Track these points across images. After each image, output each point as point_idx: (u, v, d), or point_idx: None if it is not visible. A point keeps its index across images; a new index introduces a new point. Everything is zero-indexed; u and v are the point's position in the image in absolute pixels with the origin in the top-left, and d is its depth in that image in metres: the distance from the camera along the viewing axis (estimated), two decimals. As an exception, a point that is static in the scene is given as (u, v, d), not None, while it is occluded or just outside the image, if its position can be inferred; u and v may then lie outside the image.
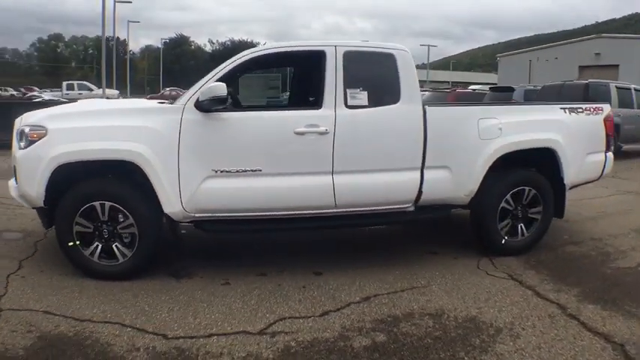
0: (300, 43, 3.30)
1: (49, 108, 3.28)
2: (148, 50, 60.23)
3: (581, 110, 3.83)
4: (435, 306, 2.76)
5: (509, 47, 59.58)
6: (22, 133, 2.85)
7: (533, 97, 10.29)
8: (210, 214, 3.03)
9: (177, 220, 3.00)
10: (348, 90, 3.13)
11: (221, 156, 2.94)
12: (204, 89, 2.85)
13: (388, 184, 3.24)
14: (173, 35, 63.66)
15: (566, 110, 3.77)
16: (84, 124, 2.85)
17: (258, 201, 3.04)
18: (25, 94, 26.70)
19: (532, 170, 3.77)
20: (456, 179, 3.39)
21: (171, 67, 56.51)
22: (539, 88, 11.00)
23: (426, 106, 3.33)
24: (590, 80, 9.73)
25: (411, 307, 2.75)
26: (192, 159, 2.88)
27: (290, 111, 3.32)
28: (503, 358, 2.21)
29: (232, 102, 3.47)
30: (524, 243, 3.70)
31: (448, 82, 41.24)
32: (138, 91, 44.04)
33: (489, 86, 15.01)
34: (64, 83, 27.35)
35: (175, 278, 3.06)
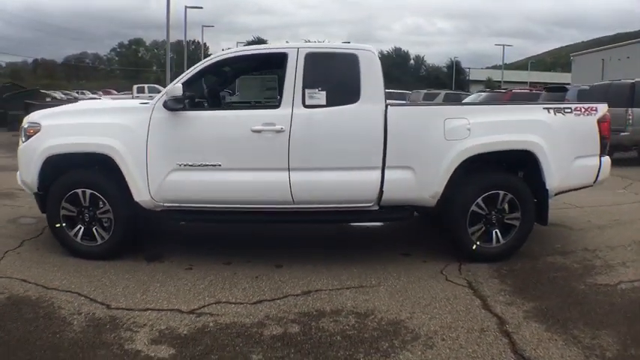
0: (265, 46, 3.58)
1: (50, 107, 3.90)
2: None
3: (569, 110, 3.60)
4: (369, 306, 2.85)
5: (590, 46, 54.66)
6: (23, 130, 3.46)
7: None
8: (176, 204, 3.41)
9: (147, 208, 3.42)
10: (306, 90, 3.31)
11: (184, 151, 3.30)
12: (168, 90, 3.23)
13: (347, 183, 3.36)
14: (251, 38, 67.48)
15: (550, 110, 3.57)
16: (69, 122, 3.39)
17: (218, 194, 3.36)
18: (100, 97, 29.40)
19: (508, 173, 3.65)
20: (419, 180, 3.40)
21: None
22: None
23: (389, 106, 3.39)
24: (636, 80, 8.81)
25: (344, 304, 2.87)
26: (159, 153, 3.28)
27: (249, 110, 3.57)
28: (400, 366, 2.24)
29: (209, 101, 3.82)
30: (500, 250, 3.59)
31: (526, 82, 39.32)
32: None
33: (544, 86, 14.33)
34: (135, 86, 29.23)
35: (147, 261, 3.49)
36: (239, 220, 3.63)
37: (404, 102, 3.63)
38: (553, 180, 3.54)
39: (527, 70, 51.94)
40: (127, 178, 3.27)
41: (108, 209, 3.38)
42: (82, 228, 3.42)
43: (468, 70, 54.70)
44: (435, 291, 3.07)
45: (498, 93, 14.65)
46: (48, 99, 14.94)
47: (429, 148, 3.36)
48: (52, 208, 3.39)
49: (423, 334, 2.52)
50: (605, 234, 4.36)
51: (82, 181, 3.35)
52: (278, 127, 3.27)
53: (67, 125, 3.37)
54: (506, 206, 3.55)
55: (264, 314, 2.73)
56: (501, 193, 3.52)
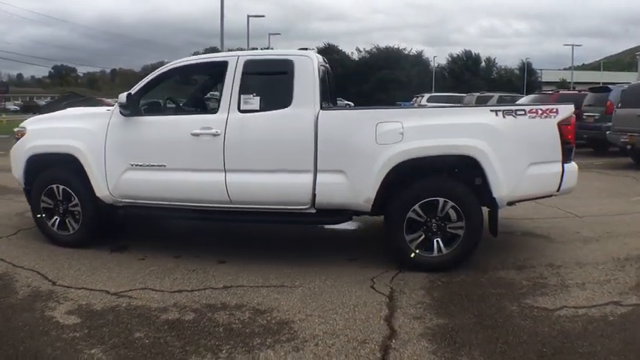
0: (210, 56, 3.95)
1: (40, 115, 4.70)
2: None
3: (521, 113, 3.44)
4: (273, 304, 3.02)
5: (671, 46, 48.70)
6: (15, 133, 4.25)
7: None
8: (132, 201, 3.93)
9: (108, 203, 3.98)
10: (242, 96, 3.62)
11: (135, 152, 3.81)
12: (120, 97, 3.76)
13: (280, 185, 3.59)
14: (321, 45, 70.56)
15: (499, 113, 3.45)
16: (47, 126, 4.11)
17: (165, 192, 3.80)
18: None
19: (448, 180, 3.57)
20: (352, 184, 3.51)
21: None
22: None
23: (321, 110, 3.56)
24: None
25: (251, 301, 3.09)
26: (115, 154, 3.82)
27: (190, 115, 3.96)
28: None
29: (160, 107, 4.26)
30: (442, 260, 3.53)
31: (599, 82, 37.46)
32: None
33: (589, 87, 13.43)
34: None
35: (110, 251, 4.05)
36: (186, 217, 4.05)
37: (350, 106, 3.62)
38: (501, 188, 3.42)
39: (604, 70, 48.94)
40: (90, 176, 3.86)
41: (77, 203, 4.00)
42: (58, 219, 4.09)
43: (539, 71, 53.81)
44: (350, 297, 3.14)
45: (545, 95, 14.29)
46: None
47: (361, 152, 3.45)
48: (35, 201, 4.11)
49: (301, 337, 2.59)
50: (585, 248, 4.05)
51: (56, 178, 4.02)
52: (214, 130, 3.62)
53: (45, 129, 4.09)
54: (452, 214, 3.49)
55: (173, 302, 3.08)
56: (441, 200, 3.47)
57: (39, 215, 4.11)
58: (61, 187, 4.00)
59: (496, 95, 19.23)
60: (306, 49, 4.12)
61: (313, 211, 3.67)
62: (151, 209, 3.95)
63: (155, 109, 4.12)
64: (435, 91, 35.14)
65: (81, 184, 3.93)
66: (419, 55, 61.50)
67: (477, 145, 3.37)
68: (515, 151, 3.42)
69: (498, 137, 3.40)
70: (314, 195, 3.57)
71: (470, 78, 47.72)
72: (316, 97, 3.57)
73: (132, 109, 3.73)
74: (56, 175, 4.03)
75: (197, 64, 3.98)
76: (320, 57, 4.01)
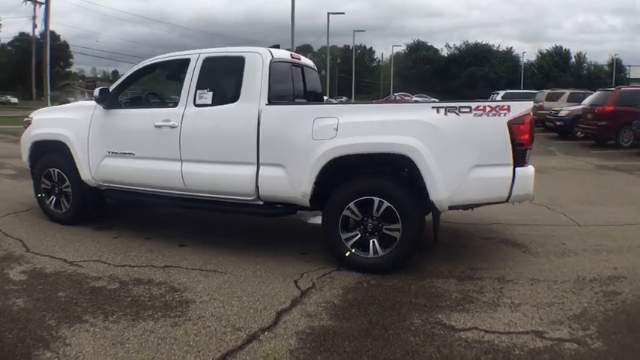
0: (178, 54, 4.40)
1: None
2: (398, 57, 69.12)
3: (466, 110, 3.34)
4: (191, 286, 3.30)
5: None
6: (25, 123, 5.14)
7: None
8: (110, 184, 4.53)
9: (92, 186, 4.62)
10: (198, 91, 4.04)
11: (111, 141, 4.41)
12: (94, 91, 4.39)
13: (227, 176, 3.92)
14: (410, 42, 71.38)
15: (440, 110, 3.38)
16: (48, 117, 4.91)
17: (134, 178, 4.35)
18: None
19: (384, 179, 3.58)
20: (291, 178, 3.70)
21: (408, 72, 63.59)
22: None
23: (264, 105, 3.82)
24: None
25: (175, 280, 3.43)
26: (96, 142, 4.47)
27: (156, 109, 4.43)
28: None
29: (134, 101, 4.81)
30: (378, 262, 3.55)
31: None
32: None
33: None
34: None
35: (93, 229, 4.69)
36: (152, 202, 4.56)
37: (301, 102, 3.65)
38: (439, 191, 3.36)
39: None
40: (76, 161, 4.55)
41: (68, 185, 4.71)
42: (54, 198, 4.84)
43: (628, 67, 52.21)
44: (266, 288, 3.30)
45: (607, 91, 14.18)
46: None
47: (298, 147, 3.63)
48: (36, 182, 4.92)
49: (188, 316, 2.86)
50: (555, 263, 3.80)
51: (53, 162, 4.78)
52: (172, 123, 4.07)
53: (45, 119, 4.90)
54: (389, 215, 3.50)
55: (110, 274, 3.54)
56: (376, 200, 3.51)
57: (39, 195, 4.92)
58: (57, 170, 4.75)
59: (567, 92, 18.51)
60: (278, 46, 4.42)
61: (260, 202, 3.92)
62: (124, 193, 4.51)
63: (132, 103, 4.70)
64: (524, 88, 34.75)
65: (71, 168, 4.63)
66: (508, 51, 59.32)
67: (410, 143, 3.36)
68: (457, 152, 3.34)
69: (436, 136, 3.35)
70: (257, 187, 3.83)
71: (558, 74, 47.47)
72: (262, 93, 3.82)
73: (106, 102, 4.35)
74: (52, 159, 4.80)
75: (166, 62, 4.49)
76: (284, 54, 4.30)
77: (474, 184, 3.38)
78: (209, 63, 4.08)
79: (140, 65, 4.52)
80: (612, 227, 4.80)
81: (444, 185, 3.35)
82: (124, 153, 4.35)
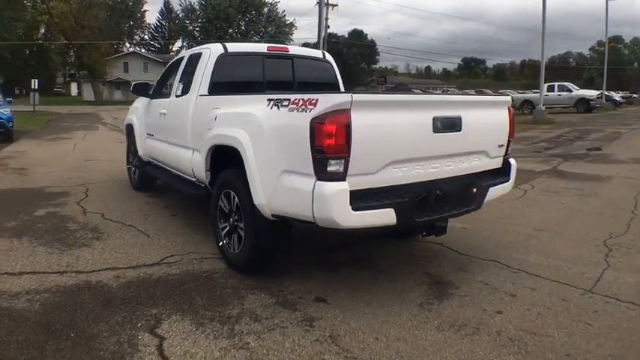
0: (188, 51, 5.58)
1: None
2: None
3: (285, 103, 3.16)
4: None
5: None
6: None
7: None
8: (150, 159, 6.25)
9: (145, 160, 6.45)
10: (179, 84, 5.17)
11: (147, 125, 6.10)
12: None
13: (181, 158, 4.86)
14: None
15: (270, 102, 3.31)
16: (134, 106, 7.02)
17: (154, 154, 5.90)
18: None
19: (233, 173, 3.72)
20: (200, 164, 4.32)
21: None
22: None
23: (198, 96, 4.56)
24: None
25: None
26: (142, 125, 6.27)
27: (164, 99, 5.64)
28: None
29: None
30: (236, 258, 3.78)
31: None
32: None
33: None
34: (545, 85, 31.08)
35: (147, 197, 6.55)
36: (160, 177, 5.90)
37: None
38: (257, 193, 3.33)
39: None
40: (135, 141, 6.48)
41: (135, 159, 6.74)
42: (134, 169, 6.96)
43: None
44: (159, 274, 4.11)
45: None
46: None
47: (202, 134, 4.20)
48: (127, 155, 7.18)
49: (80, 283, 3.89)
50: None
51: (130, 142, 6.89)
52: (164, 111, 5.36)
53: (132, 109, 7.05)
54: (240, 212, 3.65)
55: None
56: (232, 193, 3.75)
57: (128, 166, 7.16)
58: (132, 146, 6.85)
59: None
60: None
61: (201, 184, 4.71)
62: (153, 166, 6.11)
63: (158, 94, 6.07)
64: None
65: (134, 146, 6.62)
66: None
67: (238, 136, 3.47)
68: (272, 151, 3.20)
69: (259, 131, 3.30)
70: (192, 169, 4.65)
71: None
72: (203, 85, 4.54)
73: (141, 94, 6.02)
74: (129, 140, 6.92)
75: (174, 60, 5.78)
76: (248, 47, 4.93)
77: (282, 192, 3.15)
78: (190, 60, 5.12)
79: (169, 63, 6.03)
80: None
81: (261, 188, 3.28)
82: (150, 134, 5.96)
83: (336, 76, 5.55)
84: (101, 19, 50.05)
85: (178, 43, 64.28)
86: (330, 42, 63.27)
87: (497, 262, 4.11)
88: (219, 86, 4.61)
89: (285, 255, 3.81)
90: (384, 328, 2.93)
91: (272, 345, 2.70)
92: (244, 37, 55.64)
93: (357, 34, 77.57)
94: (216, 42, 5.10)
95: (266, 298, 3.32)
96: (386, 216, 2.99)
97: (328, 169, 2.86)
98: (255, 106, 3.50)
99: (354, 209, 2.86)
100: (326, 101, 2.90)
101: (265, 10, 57.87)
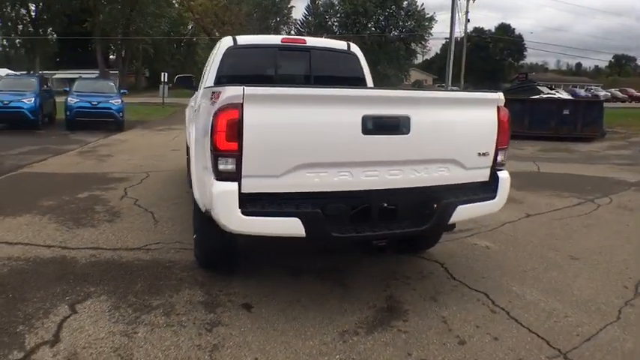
0: None
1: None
2: None
3: (212, 96, 3.25)
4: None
5: None
6: None
7: None
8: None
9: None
10: (202, 77, 5.64)
11: (188, 116, 6.73)
12: None
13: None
14: None
15: (210, 95, 3.39)
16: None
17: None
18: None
19: None
20: None
21: None
22: None
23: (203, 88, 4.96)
24: None
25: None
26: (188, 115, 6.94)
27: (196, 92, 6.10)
28: None
29: None
30: (194, 252, 4.14)
31: None
32: None
33: None
34: None
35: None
36: None
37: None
38: (194, 188, 3.59)
39: None
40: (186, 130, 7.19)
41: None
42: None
43: None
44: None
45: None
46: (542, 95, 18.88)
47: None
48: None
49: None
50: None
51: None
52: (195, 105, 5.89)
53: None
54: None
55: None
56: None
57: (187, 156, 7.92)
58: (186, 138, 7.57)
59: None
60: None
61: None
62: None
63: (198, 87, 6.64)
64: None
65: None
66: None
67: (190, 131, 4.04)
68: (199, 146, 3.46)
69: (196, 125, 3.72)
70: None
71: None
72: (210, 76, 4.92)
73: (185, 87, 6.63)
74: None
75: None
76: (260, 39, 5.21)
77: (201, 188, 3.30)
78: (211, 52, 5.58)
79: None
80: None
81: (196, 182, 3.54)
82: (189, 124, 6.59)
83: (361, 68, 5.45)
84: (243, 16, 54.57)
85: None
86: (472, 37, 61.44)
87: (485, 294, 3.76)
88: (227, 80, 4.92)
89: (234, 255, 3.93)
90: (276, 349, 2.90)
91: (154, 340, 2.93)
92: (382, 32, 56.26)
93: (503, 29, 75.39)
94: (243, 34, 5.42)
95: (198, 295, 3.55)
96: (289, 226, 2.93)
97: (220, 167, 2.94)
98: (203, 100, 3.80)
99: (245, 214, 2.89)
100: (223, 94, 2.95)
101: (404, 3, 57.67)
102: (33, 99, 14.39)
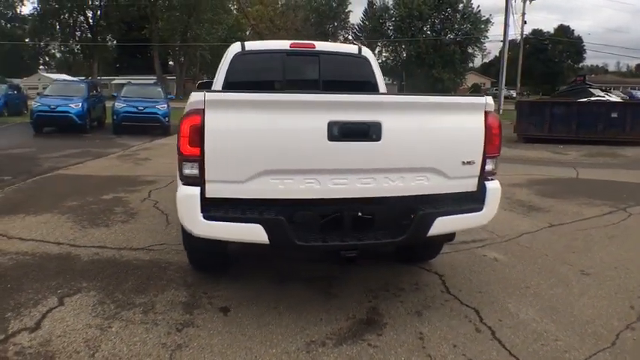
0: None
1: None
2: None
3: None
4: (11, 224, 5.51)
5: None
6: None
7: None
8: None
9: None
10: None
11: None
12: None
13: None
14: None
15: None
16: None
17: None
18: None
19: None
20: None
21: None
22: None
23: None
24: None
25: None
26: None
27: None
28: None
29: None
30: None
31: None
32: None
33: None
34: None
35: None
36: None
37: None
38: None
39: None
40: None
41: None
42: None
43: None
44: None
45: None
46: (592, 98, 18.30)
47: None
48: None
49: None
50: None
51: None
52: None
53: None
54: None
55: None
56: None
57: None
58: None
59: None
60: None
61: None
62: None
63: None
64: None
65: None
66: None
67: None
68: None
69: None
70: None
71: None
72: (218, 81, 5.12)
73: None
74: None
75: None
76: (268, 44, 5.39)
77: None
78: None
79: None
80: None
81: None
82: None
83: (373, 73, 5.48)
84: (299, 21, 55.58)
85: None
86: (530, 39, 59.53)
87: (476, 311, 3.69)
88: (235, 86, 5.09)
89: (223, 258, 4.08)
90: (236, 354, 2.99)
91: (124, 335, 3.15)
92: (438, 35, 55.75)
93: (562, 30, 73.90)
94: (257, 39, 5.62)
95: (182, 296, 3.75)
96: (251, 232, 3.01)
97: (184, 171, 3.09)
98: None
99: (208, 218, 3.02)
100: (189, 100, 3.09)
101: (460, 6, 56.82)
102: (80, 104, 15.47)
